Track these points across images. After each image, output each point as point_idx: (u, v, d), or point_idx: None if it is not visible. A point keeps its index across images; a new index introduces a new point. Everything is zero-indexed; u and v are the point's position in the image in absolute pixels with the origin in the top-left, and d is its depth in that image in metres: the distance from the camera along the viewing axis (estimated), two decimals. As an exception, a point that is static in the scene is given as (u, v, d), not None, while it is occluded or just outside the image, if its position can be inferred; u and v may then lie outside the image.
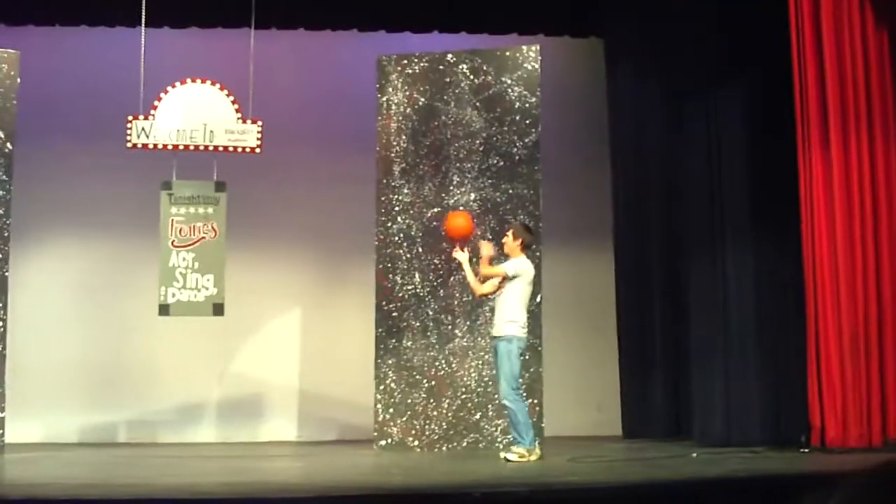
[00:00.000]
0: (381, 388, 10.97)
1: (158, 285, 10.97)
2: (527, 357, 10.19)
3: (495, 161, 11.09)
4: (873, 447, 9.43)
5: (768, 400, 10.51)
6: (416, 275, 10.98)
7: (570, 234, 12.85)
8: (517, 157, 11.05)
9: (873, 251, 9.73)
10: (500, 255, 10.09)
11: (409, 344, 10.97)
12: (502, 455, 9.53)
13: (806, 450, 9.59)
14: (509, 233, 9.98)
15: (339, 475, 8.83)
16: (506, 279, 9.75)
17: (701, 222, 11.08)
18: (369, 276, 11.33)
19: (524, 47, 11.30)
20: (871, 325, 9.63)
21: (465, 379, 10.84)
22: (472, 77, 11.24)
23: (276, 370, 12.84)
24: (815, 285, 9.73)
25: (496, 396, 10.68)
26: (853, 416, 9.51)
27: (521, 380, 9.87)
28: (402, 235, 11.09)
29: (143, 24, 11.03)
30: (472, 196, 11.07)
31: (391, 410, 10.91)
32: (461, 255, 10.00)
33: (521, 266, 9.79)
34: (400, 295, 11.05)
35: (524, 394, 10.02)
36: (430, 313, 10.97)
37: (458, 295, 10.89)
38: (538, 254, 10.83)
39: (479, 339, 10.83)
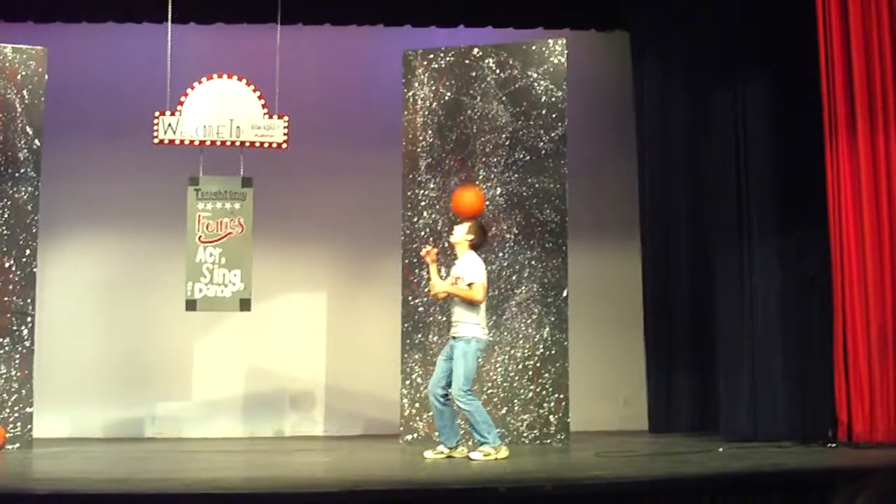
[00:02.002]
0: (407, 382, 10.98)
1: (185, 280, 11.02)
2: (481, 360, 9.91)
3: (521, 155, 11.08)
4: (901, 442, 9.39)
5: (794, 394, 10.46)
6: (442, 269, 10.96)
7: (596, 228, 12.86)
8: (543, 152, 11.03)
9: (902, 246, 9.68)
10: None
11: (434, 339, 10.96)
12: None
13: (833, 444, 9.57)
14: (466, 224, 9.68)
15: (365, 470, 8.83)
16: (472, 285, 9.41)
17: (728, 216, 11.03)
18: (395, 271, 11.33)
19: (550, 41, 11.28)
20: (900, 319, 9.58)
21: (491, 374, 10.83)
22: (498, 71, 11.23)
23: (301, 365, 12.86)
24: (842, 279, 9.69)
25: (522, 392, 10.70)
26: (881, 411, 9.47)
27: (473, 379, 9.47)
28: (428, 230, 11.09)
29: (169, 20, 11.08)
30: (499, 190, 11.06)
31: (417, 405, 10.91)
32: (437, 281, 9.71)
33: (482, 266, 9.51)
34: (426, 290, 11.04)
35: (473, 394, 9.55)
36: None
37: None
38: (564, 248, 10.83)
39: (506, 333, 10.82)
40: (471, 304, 9.39)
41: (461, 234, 9.65)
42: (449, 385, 9.39)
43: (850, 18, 9.78)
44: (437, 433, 9.73)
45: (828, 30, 9.86)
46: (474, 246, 9.64)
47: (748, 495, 7.41)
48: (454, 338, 9.45)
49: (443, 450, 9.50)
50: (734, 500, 7.36)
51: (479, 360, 9.64)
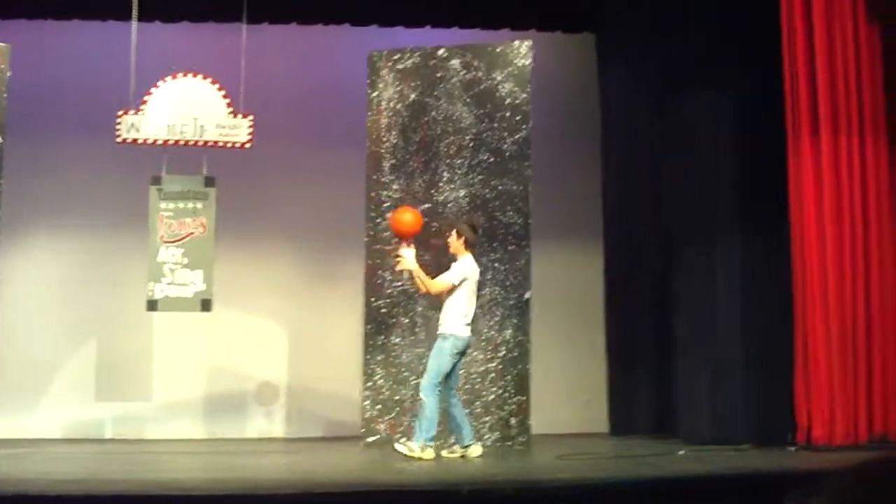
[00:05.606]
0: (369, 384, 10.96)
1: (147, 281, 10.97)
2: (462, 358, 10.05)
3: (485, 157, 11.07)
4: (859, 445, 9.45)
5: (754, 398, 10.50)
6: (405, 271, 10.96)
7: (559, 231, 12.85)
8: (507, 154, 11.03)
9: (862, 251, 9.73)
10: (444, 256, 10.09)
11: (397, 340, 10.96)
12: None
13: (792, 448, 9.61)
14: (453, 231, 9.97)
15: (326, 472, 8.84)
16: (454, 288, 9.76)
17: (690, 221, 11.09)
18: (358, 272, 11.33)
19: (516, 43, 11.28)
20: (858, 324, 9.64)
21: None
22: (462, 72, 11.22)
23: (263, 366, 12.83)
24: (803, 284, 9.74)
25: (484, 393, 10.70)
26: (840, 415, 9.53)
27: (443, 378, 9.67)
28: (391, 231, 11.06)
29: (134, 18, 11.02)
30: (462, 192, 11.06)
31: (379, 407, 10.90)
32: (407, 252, 9.91)
33: (464, 271, 9.78)
34: (389, 291, 11.04)
35: (439, 391, 9.70)
36: (419, 309, 10.96)
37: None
38: (527, 250, 10.84)
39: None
40: (434, 296, 9.96)
41: (454, 242, 9.92)
42: (448, 386, 9.72)
43: (815, 26, 9.81)
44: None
45: (792, 36, 9.90)
46: (470, 244, 9.93)
47: (708, 498, 7.44)
48: (438, 334, 9.80)
49: (456, 448, 9.75)
50: (693, 503, 7.39)
51: (454, 357, 9.75)
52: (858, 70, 9.85)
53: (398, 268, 10.17)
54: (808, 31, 9.86)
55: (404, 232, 9.95)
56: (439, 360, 9.61)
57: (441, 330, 9.73)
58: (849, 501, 2.15)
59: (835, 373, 9.58)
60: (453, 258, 9.94)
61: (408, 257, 9.90)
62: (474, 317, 10.38)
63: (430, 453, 9.40)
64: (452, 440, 9.92)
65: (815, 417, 9.57)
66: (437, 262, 10.77)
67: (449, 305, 9.73)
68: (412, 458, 9.29)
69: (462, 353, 9.82)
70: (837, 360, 9.58)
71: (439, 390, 9.62)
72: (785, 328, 10.01)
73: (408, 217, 10.01)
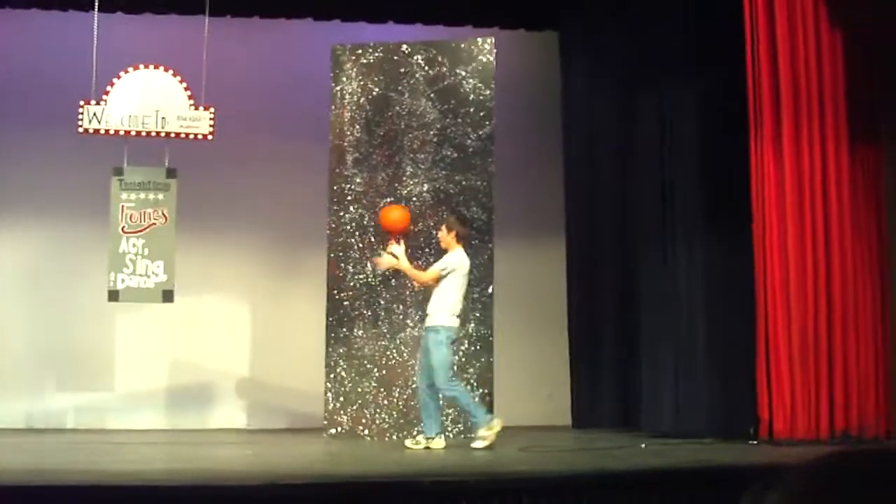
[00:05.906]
0: (332, 376, 10.96)
1: (108, 271, 10.92)
2: (456, 347, 10.25)
3: (449, 152, 11.10)
4: (820, 440, 9.50)
5: (717, 392, 10.55)
6: (368, 264, 10.98)
7: (522, 226, 12.90)
8: (471, 149, 11.06)
9: (823, 248, 9.77)
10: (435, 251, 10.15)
11: (360, 333, 10.96)
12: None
13: (754, 442, 9.67)
14: (443, 226, 10.04)
15: (289, 463, 8.80)
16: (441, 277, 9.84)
17: (653, 217, 11.12)
18: (321, 265, 11.31)
19: (479, 39, 11.32)
20: (820, 319, 9.68)
21: (415, 368, 10.80)
22: (426, 68, 11.23)
23: (226, 358, 12.80)
24: (765, 280, 9.78)
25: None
26: (801, 409, 9.58)
27: (454, 368, 9.90)
28: (354, 224, 11.08)
29: (95, 9, 10.96)
30: (426, 187, 11.07)
31: (341, 399, 10.91)
32: (397, 249, 10.01)
33: (451, 262, 9.84)
34: (352, 284, 11.05)
35: (457, 380, 9.95)
36: (382, 303, 10.97)
37: (409, 285, 10.89)
38: (490, 245, 10.87)
39: (431, 328, 10.86)
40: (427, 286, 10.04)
41: (445, 237, 9.97)
42: (430, 377, 9.71)
43: (777, 24, 9.81)
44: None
45: (755, 35, 9.90)
46: (461, 237, 9.99)
47: (670, 491, 7.48)
48: (426, 328, 9.85)
49: (421, 440, 9.76)
50: (655, 496, 7.42)
51: (455, 346, 9.99)
52: (820, 73, 9.88)
53: (382, 266, 10.32)
54: (771, 33, 9.89)
55: (393, 229, 10.07)
56: (441, 353, 9.64)
57: (430, 322, 9.76)
58: (808, 495, 2.16)
59: (796, 368, 9.62)
60: (445, 253, 10.00)
61: (398, 254, 9.98)
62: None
63: (497, 422, 9.59)
64: (416, 431, 9.94)
65: (776, 412, 9.62)
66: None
67: (436, 297, 9.79)
68: (494, 436, 9.45)
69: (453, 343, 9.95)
70: (799, 355, 9.63)
71: (455, 379, 9.80)
72: (747, 323, 10.06)
73: (396, 214, 10.16)
